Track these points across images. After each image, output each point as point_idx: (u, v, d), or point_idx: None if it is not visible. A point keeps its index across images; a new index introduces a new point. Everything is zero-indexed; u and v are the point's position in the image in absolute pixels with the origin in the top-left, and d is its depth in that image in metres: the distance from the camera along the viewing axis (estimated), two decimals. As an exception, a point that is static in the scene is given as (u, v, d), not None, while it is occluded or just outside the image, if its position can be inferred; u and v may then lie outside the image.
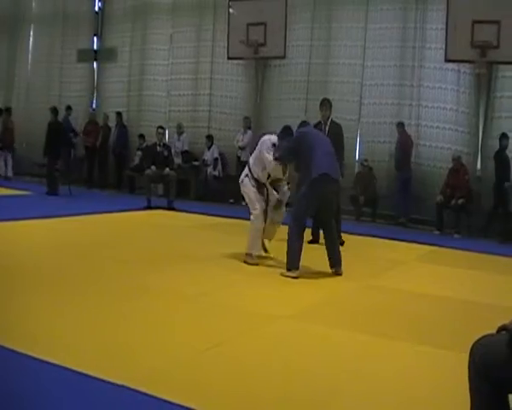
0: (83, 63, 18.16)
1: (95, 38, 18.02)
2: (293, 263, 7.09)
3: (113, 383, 3.59)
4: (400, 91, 13.39)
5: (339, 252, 7.46)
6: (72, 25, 18.25)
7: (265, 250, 8.25)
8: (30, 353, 3.96)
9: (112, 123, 16.79)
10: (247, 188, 7.93)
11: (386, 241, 10.47)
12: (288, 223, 7.26)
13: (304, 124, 8.18)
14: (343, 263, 7.38)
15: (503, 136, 11.74)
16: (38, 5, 19.10)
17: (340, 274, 7.30)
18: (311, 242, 9.26)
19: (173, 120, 16.25)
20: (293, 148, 7.44)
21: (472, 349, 2.62)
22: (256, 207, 7.78)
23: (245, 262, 7.67)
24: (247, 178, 7.97)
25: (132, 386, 3.57)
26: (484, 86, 12.61)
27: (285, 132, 7.77)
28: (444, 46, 12.50)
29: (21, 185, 15.03)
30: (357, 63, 13.84)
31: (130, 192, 15.71)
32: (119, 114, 16.69)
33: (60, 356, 3.93)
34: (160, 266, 7.17)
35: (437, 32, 12.85)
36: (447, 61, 12.59)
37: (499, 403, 2.58)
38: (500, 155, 11.75)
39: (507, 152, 11.81)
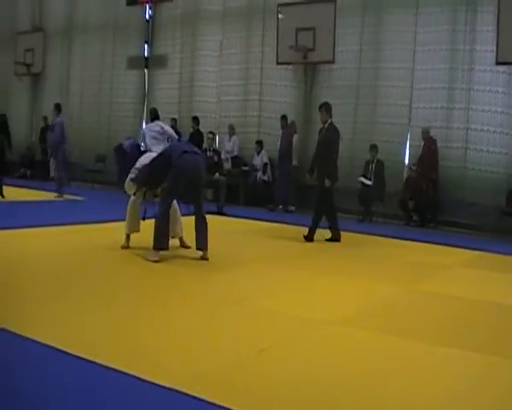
0: (134, 70, 18.52)
1: (145, 46, 18.34)
2: (160, 243, 7.54)
3: (162, 386, 3.67)
4: (450, 95, 13.25)
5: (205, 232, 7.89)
6: (123, 33, 18.70)
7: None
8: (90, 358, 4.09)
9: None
10: None
11: (435, 246, 10.35)
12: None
13: None
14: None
15: None
16: (90, 14, 19.52)
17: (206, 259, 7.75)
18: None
19: (223, 126, 16.41)
20: None
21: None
22: None
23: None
24: None
25: (181, 389, 3.63)
26: (535, 88, 12.41)
27: None
28: (494, 48, 12.34)
29: (74, 190, 15.32)
30: (407, 67, 13.75)
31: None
32: (174, 120, 16.65)
33: (119, 361, 4.03)
34: (205, 272, 7.29)
35: (487, 34, 12.66)
36: (498, 63, 12.42)
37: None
38: None
39: None
